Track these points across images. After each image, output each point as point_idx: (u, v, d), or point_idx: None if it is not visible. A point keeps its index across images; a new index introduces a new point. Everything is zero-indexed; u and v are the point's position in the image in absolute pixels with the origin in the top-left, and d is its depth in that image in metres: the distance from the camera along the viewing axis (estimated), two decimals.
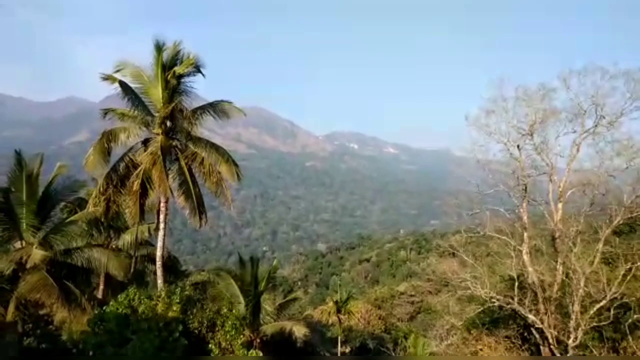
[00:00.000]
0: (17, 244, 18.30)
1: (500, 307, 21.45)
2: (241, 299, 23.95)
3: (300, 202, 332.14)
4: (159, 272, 19.79)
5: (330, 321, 36.87)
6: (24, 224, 18.27)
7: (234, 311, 18.57)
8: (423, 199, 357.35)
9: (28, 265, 17.48)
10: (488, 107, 20.94)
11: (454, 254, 23.84)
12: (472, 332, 23.82)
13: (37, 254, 17.23)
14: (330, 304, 37.03)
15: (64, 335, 19.95)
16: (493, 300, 20.51)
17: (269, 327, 23.46)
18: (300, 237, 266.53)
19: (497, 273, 23.52)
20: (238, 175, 20.97)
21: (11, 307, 17.16)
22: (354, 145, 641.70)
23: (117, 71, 19.51)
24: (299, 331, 22.57)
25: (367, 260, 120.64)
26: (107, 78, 18.67)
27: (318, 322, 38.45)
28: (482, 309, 21.44)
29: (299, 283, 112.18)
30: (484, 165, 21.38)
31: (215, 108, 20.55)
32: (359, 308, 41.60)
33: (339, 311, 35.61)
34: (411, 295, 53.50)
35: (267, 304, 24.82)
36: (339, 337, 35.05)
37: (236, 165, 21.19)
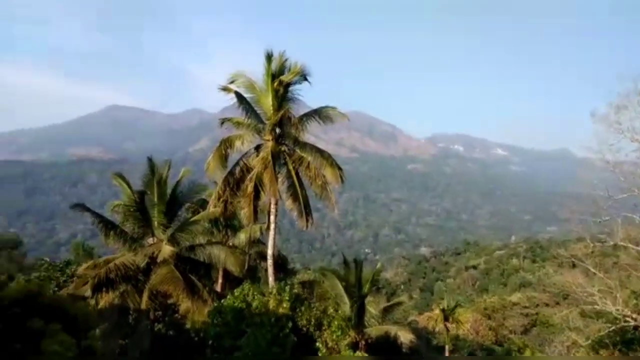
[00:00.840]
0: (150, 240, 20.55)
1: (636, 328, 18.91)
2: (346, 299, 24.23)
3: (402, 205, 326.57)
4: (270, 270, 20.87)
5: (436, 329, 35.68)
6: (156, 223, 20.49)
7: (339, 312, 18.86)
8: (537, 203, 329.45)
9: (159, 260, 19.52)
10: (619, 103, 18.63)
11: (574, 264, 21.57)
12: (600, 352, 21.35)
13: (166, 250, 19.18)
14: (437, 311, 35.81)
15: (187, 324, 21.94)
16: (628, 319, 18.14)
17: (374, 330, 23.39)
18: (403, 241, 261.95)
19: (628, 288, 20.83)
20: (342, 178, 21.38)
21: (145, 297, 19.31)
22: (459, 147, 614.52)
23: (232, 82, 21.10)
24: (405, 336, 22.15)
25: (475, 267, 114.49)
26: (224, 89, 20.28)
27: (423, 329, 37.44)
28: (612, 327, 19.10)
29: (402, 287, 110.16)
30: (615, 166, 19.04)
31: (320, 114, 21.20)
32: (468, 317, 39.63)
33: (446, 319, 34.29)
34: (525, 307, 49.63)
35: (371, 307, 24.79)
36: (447, 346, 33.74)
37: (340, 168, 21.63)
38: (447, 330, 34.41)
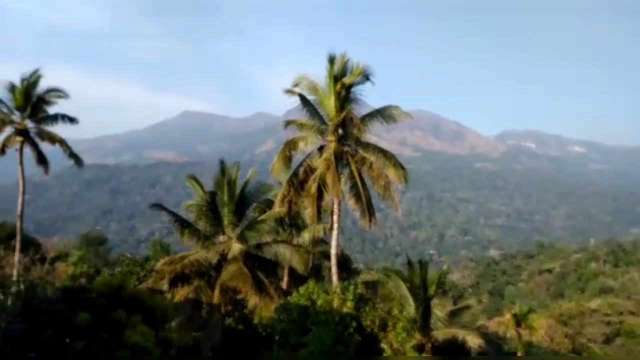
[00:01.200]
0: (221, 238, 21.58)
1: None
2: (410, 301, 23.87)
3: (469, 205, 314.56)
4: (334, 269, 21.12)
5: (507, 334, 34.14)
6: (226, 221, 21.48)
7: (404, 313, 18.68)
8: (620, 203, 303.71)
9: (229, 257, 20.47)
10: None
11: None
12: None
13: (236, 247, 20.05)
14: (508, 315, 34.24)
15: (255, 319, 22.76)
16: None
17: (440, 333, 22.84)
18: (470, 242, 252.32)
19: None
20: (405, 178, 21.17)
21: (216, 292, 20.31)
22: (530, 144, 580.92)
23: (296, 85, 21.63)
24: (473, 341, 21.44)
25: (549, 271, 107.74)
26: (288, 92, 20.84)
27: (493, 334, 35.97)
28: None
29: (470, 290, 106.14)
30: None
31: (383, 113, 21.14)
32: (542, 323, 37.51)
33: (518, 324, 32.70)
34: (606, 314, 46.01)
35: (438, 309, 24.21)
36: (519, 353, 32.19)
37: (403, 168, 21.43)
38: (520, 336, 32.81)
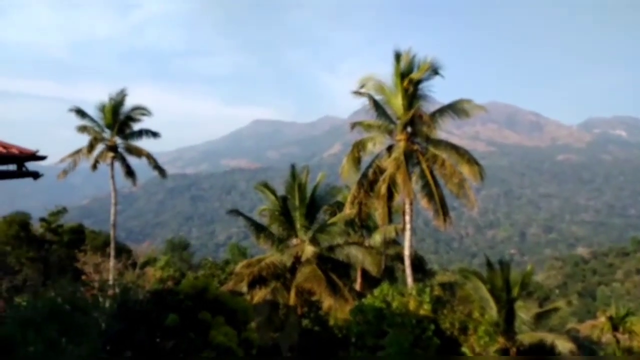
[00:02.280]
0: (294, 241, 22.06)
1: None
2: (492, 303, 22.77)
3: (552, 200, 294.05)
4: (408, 271, 20.73)
5: (602, 339, 31.42)
6: (298, 225, 21.91)
7: (486, 316, 17.88)
8: None
9: (302, 259, 20.85)
10: None
11: None
12: None
13: (309, 250, 20.37)
14: (603, 318, 31.52)
15: (330, 321, 22.93)
16: None
17: (526, 337, 21.56)
18: (555, 240, 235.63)
19: None
20: (481, 175, 20.31)
21: (292, 294, 20.76)
22: (620, 132, 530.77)
23: (362, 86, 21.57)
24: (563, 346, 20.01)
25: None
26: (356, 93, 20.82)
27: (586, 339, 33.30)
28: None
29: (557, 291, 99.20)
30: None
31: (454, 108, 20.44)
32: None
33: (615, 328, 29.99)
34: None
35: (522, 312, 22.89)
36: None
37: (478, 164, 20.57)
38: (617, 341, 30.04)
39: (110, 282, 22.95)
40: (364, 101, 20.78)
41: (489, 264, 24.03)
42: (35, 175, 11.70)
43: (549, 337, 20.95)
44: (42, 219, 32.58)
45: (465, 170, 20.22)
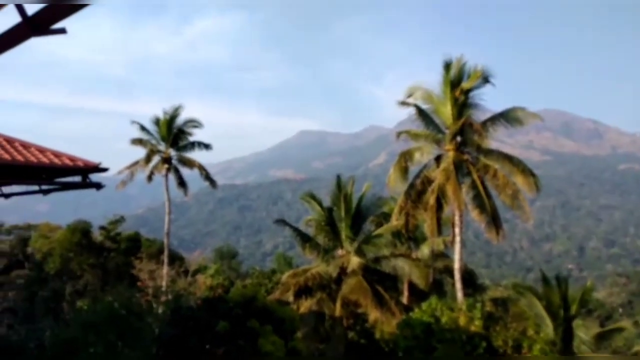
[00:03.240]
0: (339, 252, 22.02)
1: None
2: (548, 321, 21.61)
3: (614, 212, 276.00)
4: (458, 285, 20.11)
5: None
6: (343, 235, 21.88)
7: (541, 334, 17.00)
8: None
9: (348, 270, 20.76)
10: None
11: None
12: None
13: (355, 261, 20.27)
14: None
15: (376, 334, 22.59)
16: None
17: (586, 358, 20.30)
18: (617, 255, 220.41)
19: None
20: (536, 185, 19.49)
21: (338, 305, 20.67)
22: None
23: (409, 96, 21.36)
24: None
25: None
26: (403, 104, 20.65)
27: None
28: None
29: (620, 310, 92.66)
30: None
31: (507, 116, 19.80)
32: None
33: None
34: None
35: (581, 331, 21.57)
36: None
37: (533, 174, 19.76)
38: None
39: (164, 289, 23.83)
40: (410, 111, 20.58)
41: (545, 279, 22.87)
42: (98, 186, 12.43)
43: None
44: (102, 227, 34.37)
45: (519, 180, 19.46)
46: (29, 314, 25.16)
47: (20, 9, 2.55)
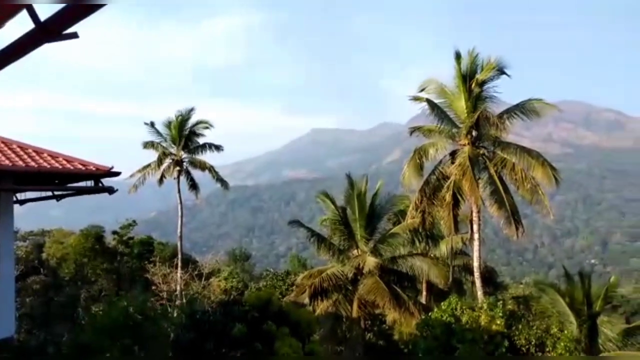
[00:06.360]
0: (354, 252, 21.68)
1: None
2: (572, 318, 20.98)
3: (638, 205, 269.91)
4: (478, 283, 19.60)
5: None
6: (358, 235, 21.53)
7: (565, 332, 16.43)
8: None
9: (364, 271, 20.39)
10: None
11: None
12: None
13: (371, 261, 19.90)
14: None
15: (395, 335, 22.20)
16: None
17: (613, 355, 19.62)
18: None
19: None
20: (556, 179, 18.87)
21: (355, 306, 20.36)
22: None
23: (422, 90, 20.91)
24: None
25: None
26: (415, 99, 20.20)
27: None
28: None
29: None
30: None
31: (523, 108, 19.21)
32: None
33: None
34: None
35: (607, 328, 20.90)
36: None
37: (553, 168, 19.14)
38: None
39: (178, 293, 23.81)
40: (423, 106, 20.09)
41: (568, 276, 22.21)
42: (110, 190, 12.35)
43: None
44: (114, 232, 34.55)
45: (538, 174, 18.85)
46: (46, 319, 25.44)
47: (32, 14, 2.55)
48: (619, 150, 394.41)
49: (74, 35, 2.78)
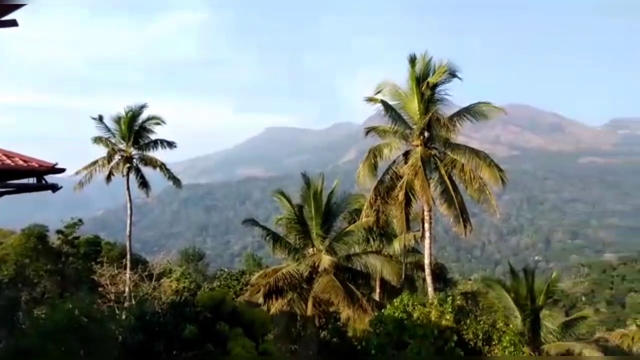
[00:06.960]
0: (310, 251, 21.73)
1: None
2: (516, 312, 22.04)
3: (577, 205, 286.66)
4: (429, 280, 20.19)
5: (634, 349, 30.12)
6: (314, 234, 21.58)
7: (510, 326, 17.24)
8: None
9: (319, 269, 20.48)
10: None
11: None
12: None
13: (326, 259, 19.99)
14: (633, 327, 30.38)
15: (349, 332, 22.44)
16: None
17: (552, 347, 20.79)
18: (581, 246, 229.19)
19: None
20: (502, 179, 19.76)
21: (309, 304, 20.41)
22: None
23: (378, 92, 21.28)
24: (592, 355, 19.20)
25: None
26: (370, 100, 20.53)
27: (615, 348, 31.96)
28: None
29: (584, 299, 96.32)
30: None
31: (472, 110, 20.00)
32: None
33: None
34: None
35: (548, 321, 22.11)
36: None
37: (499, 169, 20.04)
38: None
39: (126, 294, 22.96)
40: (379, 106, 20.47)
41: (513, 272, 23.30)
42: (54, 187, 11.72)
43: (576, 346, 20.17)
44: (59, 231, 32.91)
45: (485, 174, 19.68)
46: None
47: None
48: (560, 152, 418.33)
49: (13, 23, 2.60)
